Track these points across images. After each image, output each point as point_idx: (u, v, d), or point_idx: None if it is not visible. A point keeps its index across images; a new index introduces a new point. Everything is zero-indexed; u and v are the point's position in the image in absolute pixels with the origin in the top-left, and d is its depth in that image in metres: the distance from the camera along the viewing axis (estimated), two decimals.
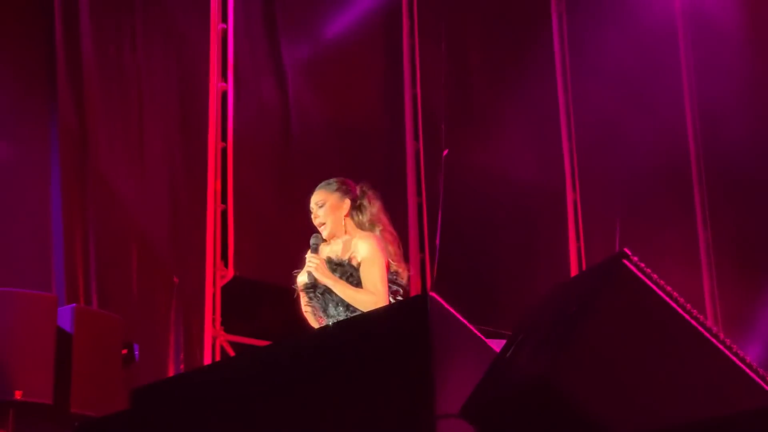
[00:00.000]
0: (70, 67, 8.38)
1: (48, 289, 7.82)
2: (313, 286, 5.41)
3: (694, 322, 2.99)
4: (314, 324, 5.49)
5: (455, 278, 9.17)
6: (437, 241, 7.94)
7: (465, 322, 3.36)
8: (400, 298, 5.44)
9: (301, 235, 9.26)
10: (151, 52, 8.91)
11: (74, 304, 7.55)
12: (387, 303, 5.30)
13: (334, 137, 9.71)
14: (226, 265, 8.83)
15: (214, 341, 8.67)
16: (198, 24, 9.20)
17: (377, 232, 5.54)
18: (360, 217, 5.58)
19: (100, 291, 8.13)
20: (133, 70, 8.77)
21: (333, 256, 5.47)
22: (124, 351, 7.67)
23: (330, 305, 5.37)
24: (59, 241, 8.04)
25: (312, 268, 5.38)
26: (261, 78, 9.45)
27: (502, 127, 10.33)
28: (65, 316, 7.36)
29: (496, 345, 3.39)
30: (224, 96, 9.19)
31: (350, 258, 5.41)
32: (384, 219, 5.66)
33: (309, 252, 5.49)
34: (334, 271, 5.39)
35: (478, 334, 3.39)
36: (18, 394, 7.01)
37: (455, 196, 9.19)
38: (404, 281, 5.52)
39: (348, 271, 5.38)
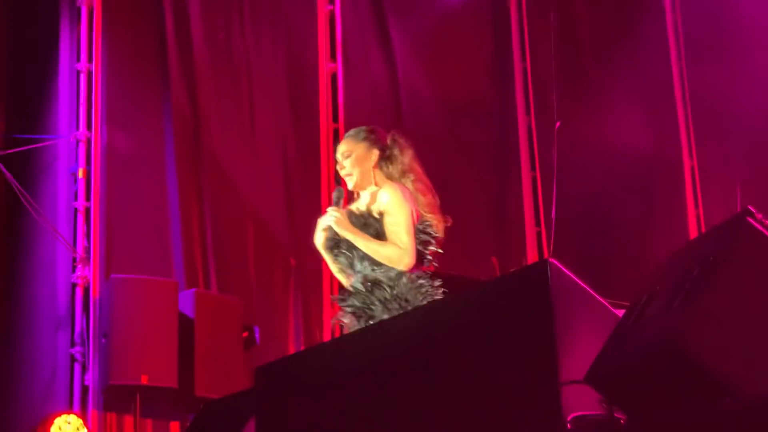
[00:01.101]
0: (181, 55, 8.49)
1: (168, 275, 7.94)
2: (336, 242, 5.14)
3: None
4: (345, 283, 5.22)
5: (572, 251, 9.07)
6: (553, 215, 7.84)
7: (586, 287, 3.32)
8: (431, 248, 5.12)
9: None
10: (260, 36, 8.98)
11: (195, 289, 7.66)
12: (413, 255, 5.01)
13: (445, 114, 9.68)
14: None
15: (334, 322, 8.70)
16: (305, 6, 9.24)
17: (408, 182, 5.22)
18: (390, 167, 5.24)
19: (219, 275, 8.22)
20: (242, 55, 8.84)
21: (355, 209, 5.18)
22: (245, 334, 7.75)
23: (356, 260, 5.09)
24: (177, 227, 8.15)
25: (332, 221, 5.06)
26: (370, 57, 9.46)
27: (615, 97, 10.18)
28: (186, 301, 7.47)
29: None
30: (334, 77, 9.22)
31: (370, 209, 5.11)
32: (417, 168, 5.29)
33: (331, 206, 5.16)
34: (355, 224, 5.08)
35: (600, 299, 3.34)
36: (144, 379, 7.13)
37: (569, 169, 9.08)
38: (439, 233, 5.16)
39: (369, 223, 5.08)
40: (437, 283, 5.08)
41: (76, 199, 7.94)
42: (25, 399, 7.69)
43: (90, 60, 8.14)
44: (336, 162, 5.36)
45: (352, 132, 5.40)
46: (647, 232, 9.94)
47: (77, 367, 7.65)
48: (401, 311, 4.93)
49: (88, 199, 7.94)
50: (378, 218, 5.09)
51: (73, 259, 7.80)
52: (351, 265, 5.15)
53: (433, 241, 5.16)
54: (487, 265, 9.10)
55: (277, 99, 8.95)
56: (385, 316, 4.92)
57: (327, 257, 5.28)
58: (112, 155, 8.09)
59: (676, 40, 10.61)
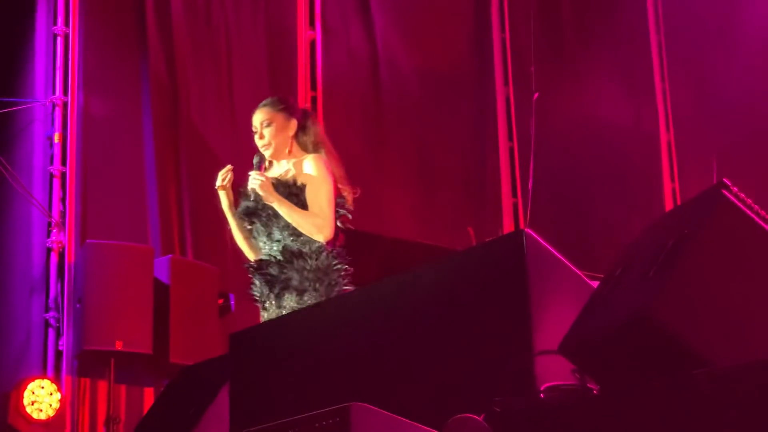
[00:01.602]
0: (159, 20, 8.44)
1: (144, 241, 7.92)
2: (254, 210, 5.18)
3: None
4: (250, 253, 5.28)
5: (548, 222, 9.10)
6: (530, 186, 7.86)
7: (561, 257, 3.32)
8: (348, 226, 5.22)
9: (393, 181, 9.31)
10: (239, 3, 8.94)
11: (170, 255, 7.63)
12: (333, 228, 5.09)
13: (424, 84, 9.67)
14: None
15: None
16: None
17: (322, 153, 5.28)
18: (304, 138, 5.31)
19: (195, 242, 8.21)
20: (221, 21, 8.80)
21: (278, 177, 5.21)
22: (220, 301, 7.74)
23: (275, 229, 5.14)
24: (153, 193, 8.13)
25: (256, 185, 5.09)
26: (349, 26, 9.44)
27: (593, 69, 10.20)
28: (162, 268, 7.45)
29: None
30: (312, 45, 9.19)
31: (295, 178, 5.15)
32: (327, 140, 5.38)
33: (252, 170, 5.20)
34: (281, 192, 5.12)
35: (575, 269, 3.35)
36: (119, 345, 7.11)
37: (547, 140, 9.09)
38: (350, 206, 5.26)
39: (294, 192, 5.12)
40: (345, 261, 5.15)
41: (51, 163, 7.90)
42: None
43: (67, 23, 8.09)
44: (254, 131, 5.35)
45: (268, 101, 5.43)
46: (624, 204, 9.99)
47: (51, 332, 7.64)
48: (317, 283, 4.99)
49: (63, 163, 7.90)
50: (301, 188, 5.13)
51: (48, 223, 7.77)
52: (269, 234, 5.18)
53: (348, 216, 5.25)
54: (463, 235, 9.10)
55: (256, 66, 8.92)
56: (299, 287, 4.98)
57: (235, 224, 5.31)
58: (88, 120, 8.05)
59: (655, 13, 10.63)
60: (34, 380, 7.24)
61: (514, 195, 9.80)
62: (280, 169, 5.28)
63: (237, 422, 3.86)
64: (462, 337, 3.30)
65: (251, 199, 5.23)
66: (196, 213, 8.26)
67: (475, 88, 10.01)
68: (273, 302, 5.12)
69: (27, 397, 7.14)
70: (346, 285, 5.16)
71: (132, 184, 8.16)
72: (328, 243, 5.14)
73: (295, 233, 5.11)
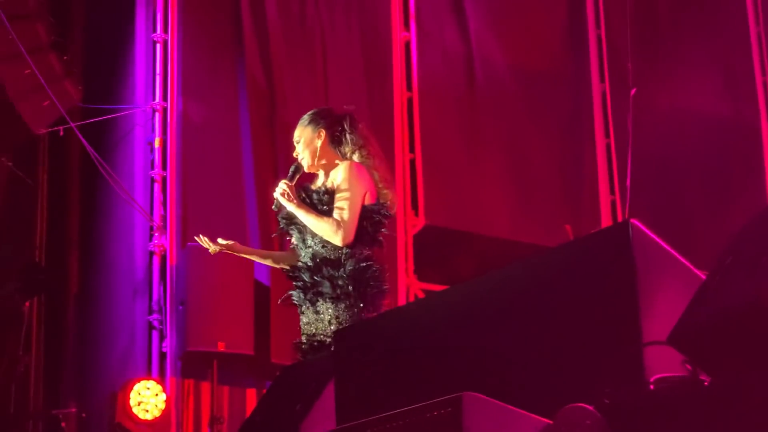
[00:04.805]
0: (255, 25, 8.52)
1: (244, 244, 7.96)
2: (293, 217, 5.24)
3: None
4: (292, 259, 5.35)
5: (647, 219, 8.99)
6: (628, 183, 7.79)
7: (668, 248, 3.29)
8: (384, 230, 5.23)
9: (490, 180, 9.28)
10: (333, 6, 8.99)
11: None
12: (351, 233, 5.09)
13: (519, 82, 9.64)
14: (416, 214, 8.88)
15: (408, 290, 8.72)
16: None
17: (362, 158, 5.29)
18: (342, 144, 5.34)
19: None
20: (316, 25, 8.86)
21: (314, 186, 5.29)
22: None
23: (308, 236, 5.18)
24: (252, 196, 8.20)
25: (278, 192, 5.19)
26: (443, 25, 9.45)
27: (692, 63, 10.08)
28: (262, 270, 7.52)
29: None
30: (407, 46, 9.22)
31: (326, 186, 5.22)
32: (371, 143, 5.39)
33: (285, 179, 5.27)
34: (304, 200, 5.18)
35: (683, 259, 3.31)
36: (221, 346, 7.20)
37: (645, 136, 9.00)
38: (392, 211, 5.29)
39: (322, 200, 5.17)
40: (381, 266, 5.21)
41: (152, 168, 8.02)
42: (104, 365, 7.81)
43: (166, 30, 8.21)
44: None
45: (300, 120, 5.46)
46: (724, 199, 9.85)
47: (155, 334, 7.75)
48: (350, 287, 5.07)
49: (164, 168, 8.02)
50: (331, 195, 5.18)
51: (150, 227, 7.89)
52: (303, 241, 5.24)
53: (385, 222, 5.25)
54: (561, 232, 9.06)
55: (351, 68, 8.96)
56: (332, 294, 5.07)
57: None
58: (187, 125, 8.17)
59: (754, 3, 10.46)
60: (140, 381, 7.36)
61: (612, 192, 9.73)
62: (320, 179, 5.36)
63: (344, 417, 3.87)
64: (570, 329, 3.28)
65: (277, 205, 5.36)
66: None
67: (570, 85, 9.95)
68: (310, 308, 5.19)
69: (133, 397, 7.26)
70: (383, 284, 5.20)
71: (231, 187, 8.24)
72: (361, 251, 5.16)
73: (324, 240, 5.16)
